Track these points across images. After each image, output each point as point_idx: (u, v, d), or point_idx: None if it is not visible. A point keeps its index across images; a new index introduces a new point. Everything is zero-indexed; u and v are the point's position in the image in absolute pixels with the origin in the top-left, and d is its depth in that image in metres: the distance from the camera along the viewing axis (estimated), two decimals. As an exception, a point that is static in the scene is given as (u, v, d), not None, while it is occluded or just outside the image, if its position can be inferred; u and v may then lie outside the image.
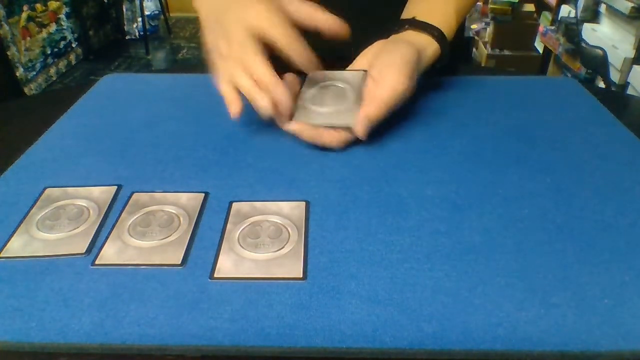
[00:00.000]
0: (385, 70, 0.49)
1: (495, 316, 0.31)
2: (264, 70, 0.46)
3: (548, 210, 0.41)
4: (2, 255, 0.36)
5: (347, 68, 0.54)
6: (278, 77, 0.46)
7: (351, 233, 0.38)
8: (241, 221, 0.39)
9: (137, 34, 3.58)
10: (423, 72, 0.53)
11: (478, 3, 2.87)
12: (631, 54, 1.63)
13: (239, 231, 0.38)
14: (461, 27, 0.80)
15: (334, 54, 0.52)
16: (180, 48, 3.54)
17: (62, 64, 2.95)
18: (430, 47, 0.53)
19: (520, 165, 0.47)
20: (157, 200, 0.42)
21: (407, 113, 0.56)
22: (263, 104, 0.46)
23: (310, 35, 0.49)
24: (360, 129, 0.47)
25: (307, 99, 0.51)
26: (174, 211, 0.41)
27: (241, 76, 0.47)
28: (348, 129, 0.48)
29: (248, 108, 0.58)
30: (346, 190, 0.43)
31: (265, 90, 0.46)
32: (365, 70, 0.52)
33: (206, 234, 0.38)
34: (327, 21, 0.48)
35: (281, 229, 0.39)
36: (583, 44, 1.66)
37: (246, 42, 0.46)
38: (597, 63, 1.46)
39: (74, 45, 3.08)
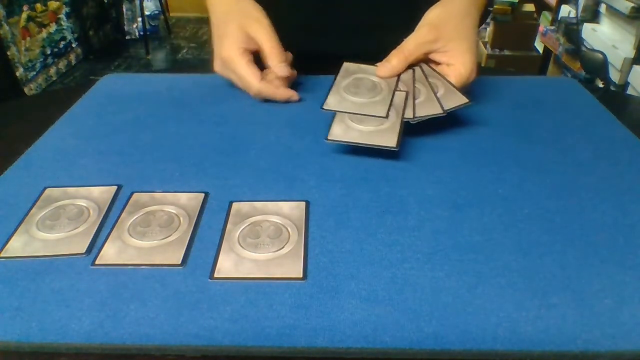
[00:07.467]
0: (455, 52, 0.53)
1: (495, 316, 0.31)
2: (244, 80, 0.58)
3: (548, 210, 0.41)
4: (2, 255, 0.36)
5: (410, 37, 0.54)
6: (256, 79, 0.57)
7: (351, 233, 0.38)
8: (241, 221, 0.39)
9: (137, 34, 3.57)
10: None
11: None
12: (631, 54, 1.63)
13: (239, 231, 0.38)
14: None
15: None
16: (180, 48, 3.54)
17: (62, 64, 2.94)
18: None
19: (520, 165, 0.47)
20: (157, 200, 0.42)
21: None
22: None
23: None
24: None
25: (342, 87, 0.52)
26: (174, 211, 0.41)
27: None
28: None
29: (246, 108, 0.59)
30: (346, 190, 0.43)
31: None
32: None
33: (206, 234, 0.38)
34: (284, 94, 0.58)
35: (281, 229, 0.39)
36: (583, 48, 1.66)
37: (225, 67, 0.59)
38: (597, 67, 1.46)
39: (74, 45, 3.08)
